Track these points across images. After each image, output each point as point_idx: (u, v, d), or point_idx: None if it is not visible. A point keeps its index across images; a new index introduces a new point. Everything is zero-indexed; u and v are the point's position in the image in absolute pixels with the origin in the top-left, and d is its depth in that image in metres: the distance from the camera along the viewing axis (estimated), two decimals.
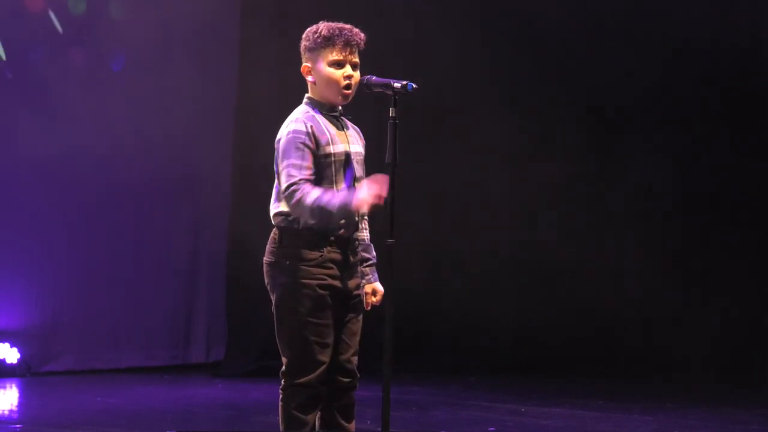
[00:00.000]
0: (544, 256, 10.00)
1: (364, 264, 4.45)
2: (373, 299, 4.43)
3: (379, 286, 4.44)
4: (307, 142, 4.26)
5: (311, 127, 4.30)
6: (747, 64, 9.67)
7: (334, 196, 4.18)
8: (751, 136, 9.70)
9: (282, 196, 4.28)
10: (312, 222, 4.24)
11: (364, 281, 4.44)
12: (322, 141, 4.29)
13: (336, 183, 4.31)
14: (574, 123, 9.98)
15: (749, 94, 9.67)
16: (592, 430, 6.88)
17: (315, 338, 4.29)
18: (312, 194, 4.18)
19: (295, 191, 4.20)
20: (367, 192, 4.14)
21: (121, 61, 9.19)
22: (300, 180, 4.21)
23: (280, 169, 4.28)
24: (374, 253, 4.49)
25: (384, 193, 4.14)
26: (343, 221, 4.29)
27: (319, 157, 4.28)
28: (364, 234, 4.49)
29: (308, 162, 4.24)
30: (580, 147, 9.95)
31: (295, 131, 4.29)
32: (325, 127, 4.33)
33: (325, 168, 4.29)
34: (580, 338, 9.78)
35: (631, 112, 10.09)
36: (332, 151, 4.30)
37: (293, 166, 4.23)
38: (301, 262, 4.29)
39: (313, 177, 4.25)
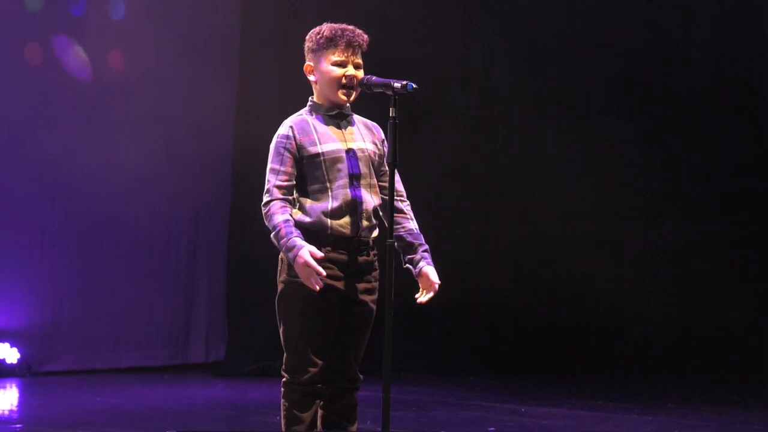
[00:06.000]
0: (545, 256, 10.01)
1: (420, 249, 4.40)
2: (423, 297, 4.39)
3: (432, 276, 4.38)
4: (288, 146, 4.30)
5: (295, 130, 4.32)
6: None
7: (287, 236, 4.17)
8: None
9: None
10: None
11: (420, 265, 4.39)
12: (306, 143, 4.31)
13: (329, 182, 4.30)
14: (574, 118, 10.01)
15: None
16: (592, 430, 6.88)
17: (309, 338, 4.28)
18: (275, 218, 4.23)
19: (264, 205, 4.28)
20: (304, 273, 4.15)
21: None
22: (273, 190, 4.25)
23: (266, 170, 4.36)
24: (423, 240, 4.42)
25: (313, 287, 4.15)
26: (344, 222, 4.29)
27: (305, 158, 4.31)
28: (411, 225, 4.44)
29: (286, 167, 4.29)
30: (579, 143, 9.97)
31: (279, 135, 4.35)
32: (314, 128, 4.34)
33: (315, 168, 4.30)
34: (580, 338, 9.79)
35: (634, 108, 10.11)
36: (320, 151, 4.30)
37: (272, 170, 4.31)
38: None
39: (288, 182, 4.29)
